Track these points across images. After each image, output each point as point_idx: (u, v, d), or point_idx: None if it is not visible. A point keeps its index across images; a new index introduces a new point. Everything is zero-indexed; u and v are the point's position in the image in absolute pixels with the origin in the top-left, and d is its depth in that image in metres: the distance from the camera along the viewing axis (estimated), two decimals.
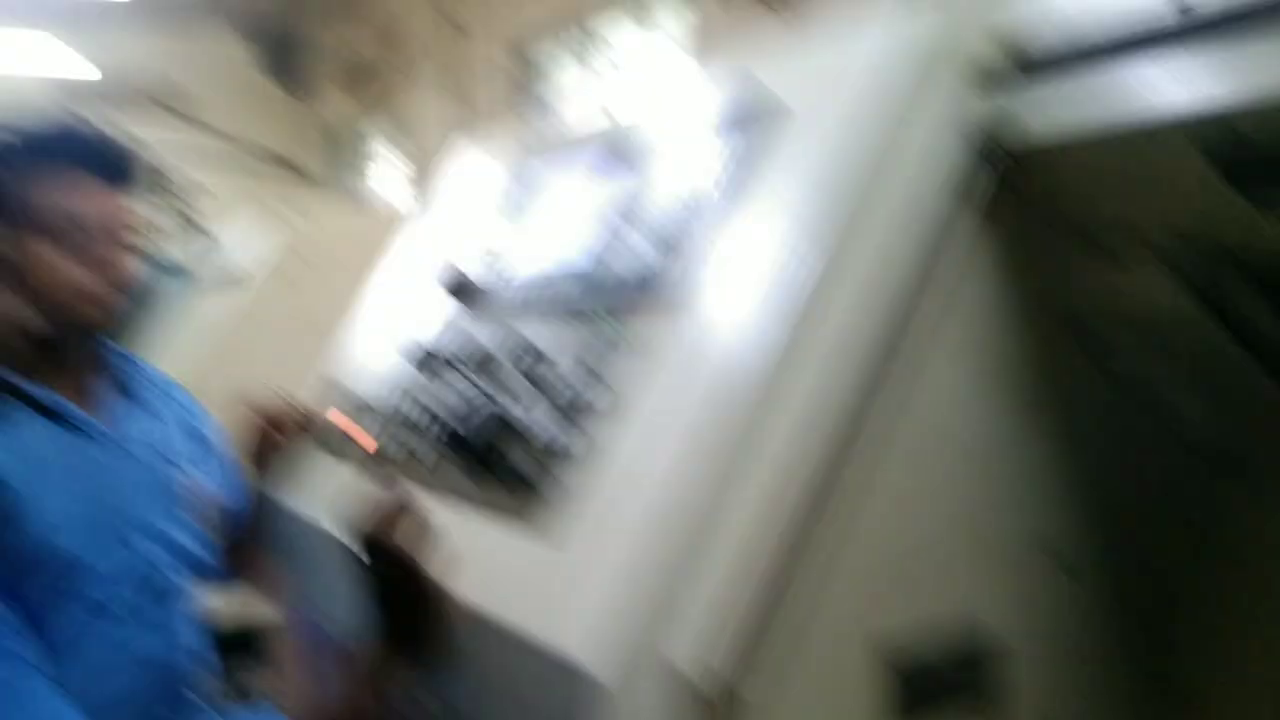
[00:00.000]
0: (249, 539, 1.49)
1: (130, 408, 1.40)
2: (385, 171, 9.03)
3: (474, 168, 1.54)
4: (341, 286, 3.02)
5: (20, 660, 0.88)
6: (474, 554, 1.02)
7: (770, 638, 0.81)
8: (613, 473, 0.91)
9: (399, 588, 0.95)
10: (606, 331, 1.03)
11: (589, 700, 0.78)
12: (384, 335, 1.53)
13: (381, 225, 3.30)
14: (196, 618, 1.43)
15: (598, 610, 0.82)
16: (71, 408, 1.31)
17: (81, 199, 1.29)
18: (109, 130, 1.37)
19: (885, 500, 0.89)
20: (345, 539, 1.01)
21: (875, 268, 0.91)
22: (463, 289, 1.31)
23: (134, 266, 1.36)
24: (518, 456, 1.03)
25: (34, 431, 1.25)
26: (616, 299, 1.05)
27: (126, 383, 1.42)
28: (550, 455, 0.98)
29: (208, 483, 1.47)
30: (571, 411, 0.99)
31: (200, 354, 2.96)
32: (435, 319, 1.38)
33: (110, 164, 1.33)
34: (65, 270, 1.27)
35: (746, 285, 0.92)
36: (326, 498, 1.35)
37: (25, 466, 1.22)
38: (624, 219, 1.12)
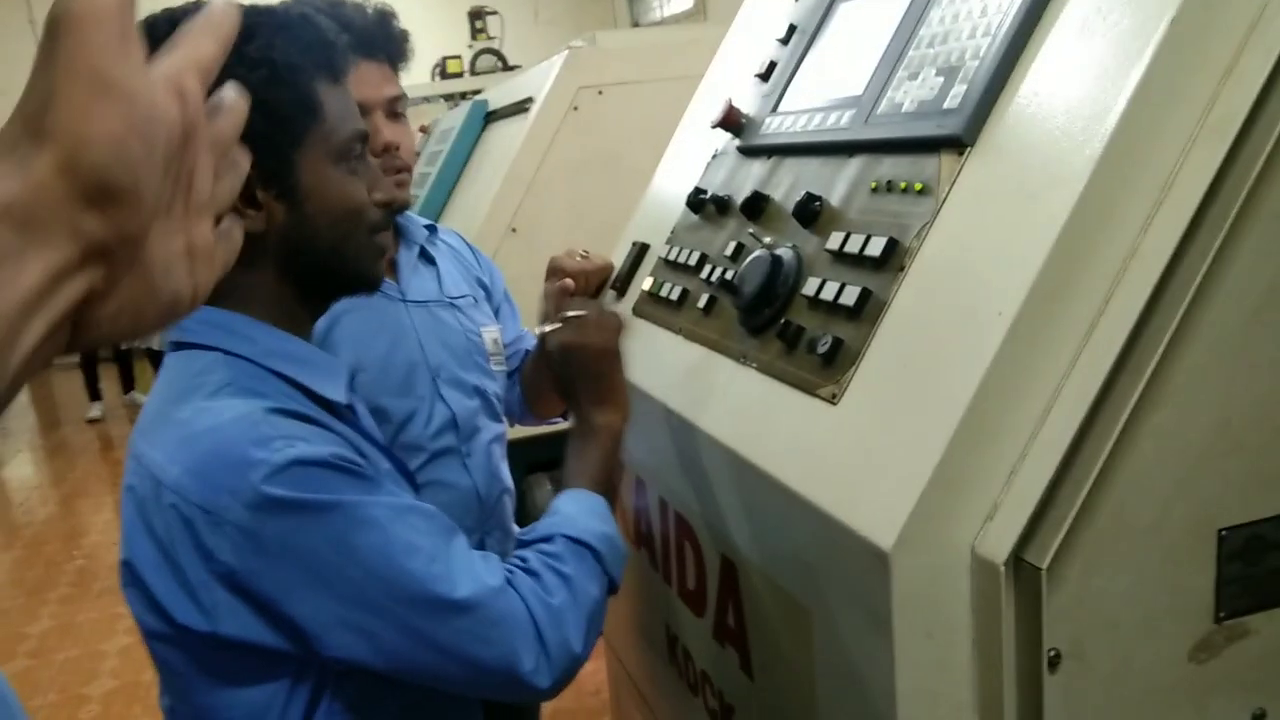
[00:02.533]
0: (539, 376, 1.57)
1: (423, 268, 1.51)
2: None
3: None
4: (627, 113, 3.04)
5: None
6: (742, 403, 1.01)
7: (1088, 518, 0.72)
8: (897, 329, 0.83)
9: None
10: (888, 170, 0.93)
11: (873, 568, 0.75)
12: (667, 173, 1.50)
13: (668, 49, 3.25)
14: (493, 448, 1.55)
15: (881, 476, 0.77)
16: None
17: (359, 86, 1.35)
18: (369, 8, 1.40)
19: (1226, 361, 0.75)
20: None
21: (1213, 97, 0.73)
22: (737, 125, 1.24)
23: (408, 139, 1.43)
24: (795, 309, 0.97)
25: None
26: (899, 134, 0.93)
27: (415, 240, 1.53)
28: (827, 307, 0.92)
29: (490, 323, 1.57)
30: (850, 259, 0.92)
31: (495, 182, 3.09)
32: (712, 157, 1.32)
33: (374, 41, 1.37)
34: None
35: (1050, 119, 0.79)
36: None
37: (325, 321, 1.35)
38: (911, 45, 0.98)
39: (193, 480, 0.82)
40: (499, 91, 3.67)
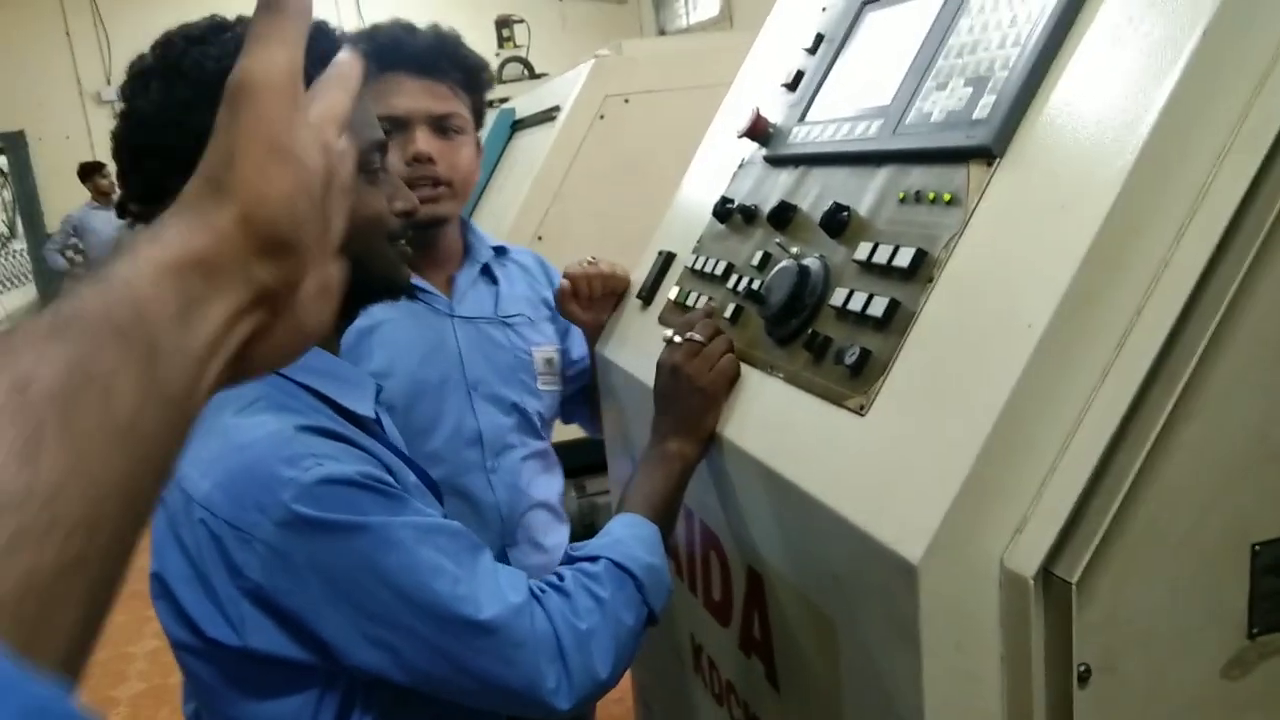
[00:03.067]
0: (589, 391, 1.58)
1: (479, 282, 1.54)
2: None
3: (799, 9, 1.41)
4: (653, 122, 3.04)
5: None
6: (769, 413, 1.01)
7: (1119, 531, 0.71)
8: (926, 341, 0.83)
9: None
10: (916, 181, 0.93)
11: (901, 580, 0.74)
12: (693, 182, 1.50)
13: (694, 56, 3.25)
14: (526, 464, 1.56)
15: (909, 488, 0.77)
16: (420, 282, 1.45)
17: (400, 97, 1.40)
18: (412, 25, 1.45)
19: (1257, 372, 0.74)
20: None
21: (1247, 107, 0.73)
22: (764, 134, 1.24)
23: (462, 157, 1.47)
24: (822, 319, 0.97)
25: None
26: (927, 144, 0.93)
27: (478, 259, 1.57)
28: (854, 317, 0.92)
29: (546, 342, 1.59)
30: (878, 270, 0.92)
31: (522, 190, 3.10)
32: (739, 166, 1.32)
33: (420, 58, 1.41)
34: (390, 169, 1.39)
35: (1081, 130, 0.78)
36: (637, 348, 1.39)
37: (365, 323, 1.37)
38: (939, 55, 0.97)
39: (223, 496, 0.83)
40: (526, 100, 3.69)
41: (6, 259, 10.01)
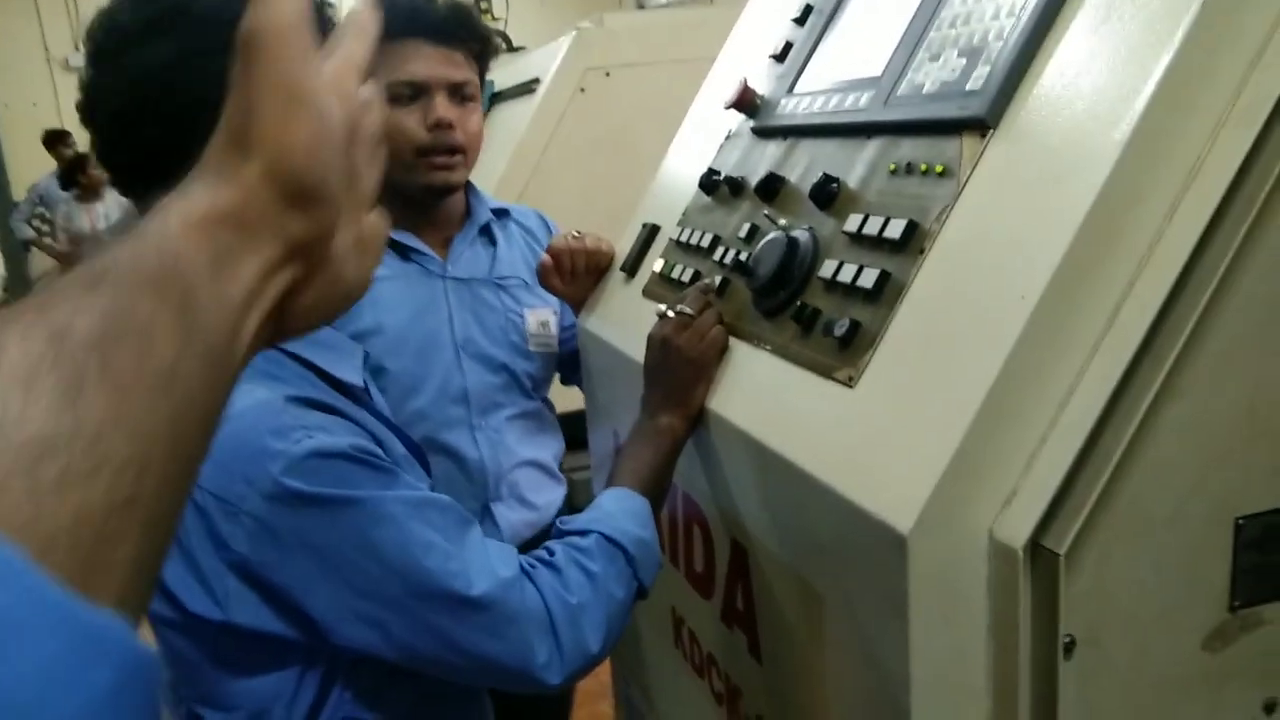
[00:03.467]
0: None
1: (477, 243, 1.55)
2: None
3: None
4: (634, 95, 3.01)
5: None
6: (757, 386, 1.00)
7: (1107, 504, 0.72)
8: (916, 312, 0.83)
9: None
10: (908, 152, 0.92)
11: (890, 552, 0.74)
12: (678, 155, 1.48)
13: (675, 30, 3.23)
14: (514, 424, 1.57)
15: (899, 460, 0.76)
16: (415, 243, 1.47)
17: (419, 63, 1.41)
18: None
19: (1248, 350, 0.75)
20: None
21: (1243, 81, 0.72)
22: (751, 105, 1.22)
23: (473, 123, 1.48)
24: (811, 291, 0.97)
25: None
26: (920, 115, 0.92)
27: (477, 221, 1.59)
28: (844, 289, 0.91)
29: (541, 305, 1.60)
30: (869, 242, 0.91)
31: (500, 164, 3.07)
32: (726, 138, 1.31)
33: (438, 26, 1.42)
34: (411, 134, 1.40)
35: (1076, 102, 0.77)
36: (620, 321, 1.38)
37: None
38: (932, 26, 0.96)
39: (209, 467, 0.81)
40: (504, 73, 3.65)
41: None
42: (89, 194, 5.98)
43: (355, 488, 0.81)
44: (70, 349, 0.33)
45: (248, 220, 0.41)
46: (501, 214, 1.68)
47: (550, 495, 1.66)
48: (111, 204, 6.12)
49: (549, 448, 1.68)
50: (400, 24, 1.41)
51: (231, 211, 0.41)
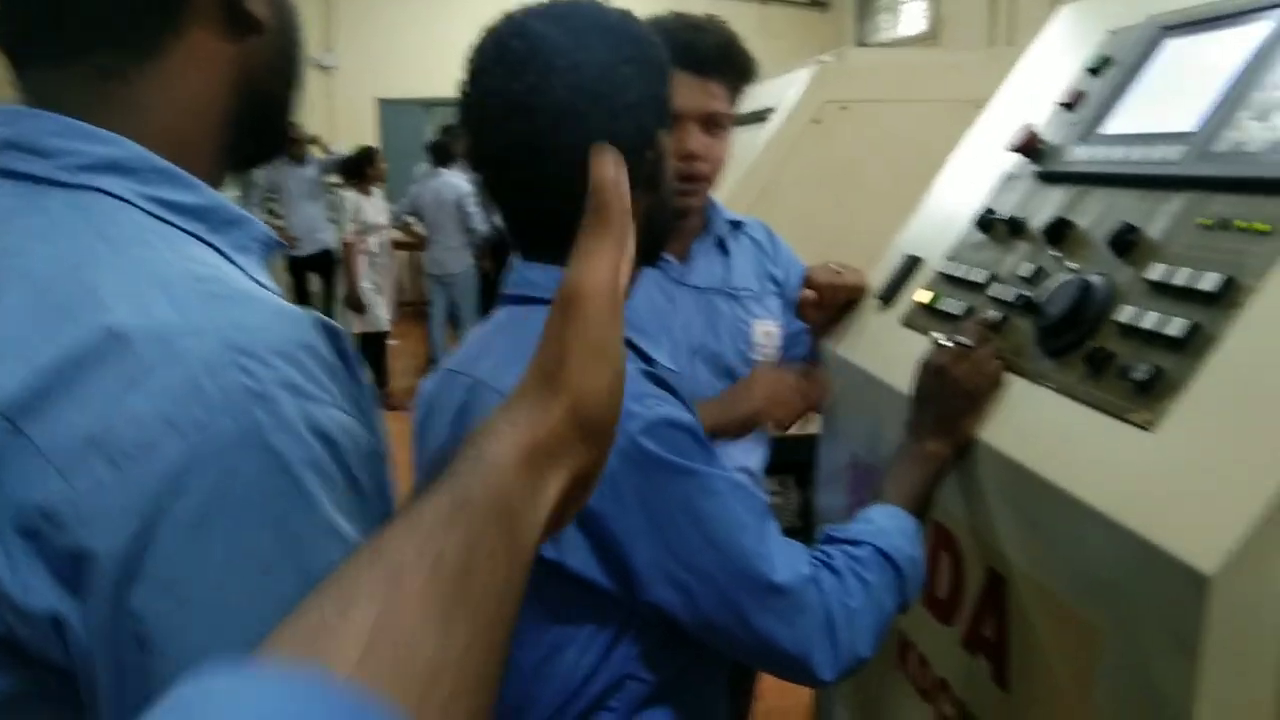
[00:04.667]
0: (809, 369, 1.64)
1: (712, 252, 1.63)
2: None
3: (1076, 31, 1.42)
4: (866, 130, 3.05)
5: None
6: (1037, 422, 1.03)
7: None
8: (1229, 365, 0.84)
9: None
10: (1222, 208, 0.93)
11: (1186, 591, 0.76)
12: (946, 191, 1.52)
13: (909, 70, 3.25)
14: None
15: (1205, 502, 0.78)
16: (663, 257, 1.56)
17: (678, 94, 1.48)
18: (698, 23, 1.52)
19: None
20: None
21: None
22: (1035, 150, 1.25)
23: (721, 151, 1.55)
24: (1104, 335, 0.99)
25: None
26: (1242, 173, 0.93)
27: (714, 232, 1.66)
28: (1144, 336, 0.93)
29: (767, 316, 1.67)
30: (1174, 292, 0.93)
31: (726, 183, 3.16)
32: (1003, 179, 1.34)
33: (703, 59, 1.49)
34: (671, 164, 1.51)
35: None
36: (875, 347, 1.43)
37: None
38: (1257, 87, 0.97)
39: None
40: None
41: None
42: (367, 185, 6.51)
43: (694, 460, 0.90)
44: (444, 576, 0.41)
45: (554, 450, 0.49)
46: (735, 225, 1.75)
47: None
48: (378, 196, 6.63)
49: (755, 455, 1.74)
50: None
51: (544, 443, 0.49)
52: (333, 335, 0.58)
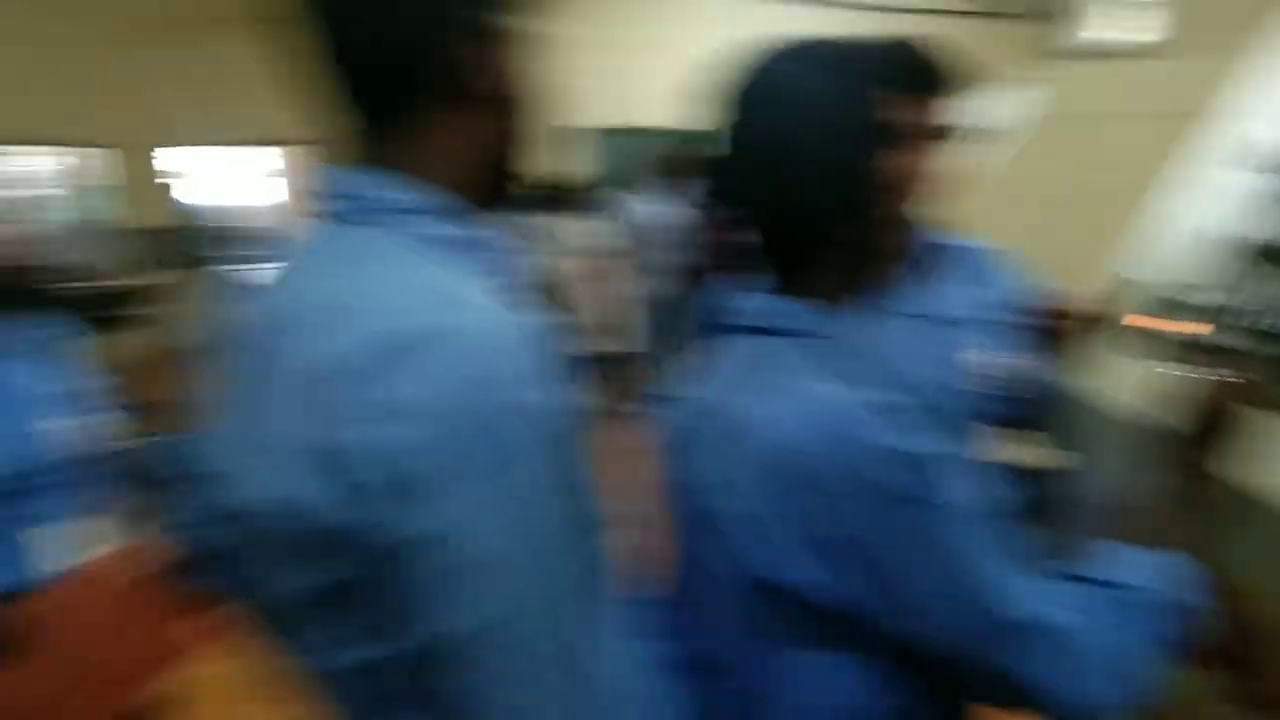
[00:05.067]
0: (1032, 408, 1.59)
1: (925, 285, 1.57)
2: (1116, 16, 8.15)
3: None
4: (1087, 144, 2.93)
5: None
6: None
7: None
8: None
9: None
10: None
11: None
12: (1183, 218, 1.46)
13: (1131, 81, 3.08)
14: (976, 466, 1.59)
15: None
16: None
17: (904, 113, 1.45)
18: (935, 45, 1.50)
19: None
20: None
21: None
22: None
23: (941, 172, 1.50)
24: None
25: None
26: None
27: (928, 263, 1.60)
28: None
29: (975, 345, 1.61)
30: None
31: (948, 208, 3.10)
32: (1246, 200, 1.28)
33: (930, 80, 1.46)
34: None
35: None
36: (1105, 374, 1.38)
37: None
38: None
39: (826, 447, 0.90)
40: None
41: None
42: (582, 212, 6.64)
43: (930, 491, 0.90)
44: None
45: None
46: (945, 249, 1.67)
47: None
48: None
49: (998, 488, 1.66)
50: (903, 74, 1.45)
51: None
52: (542, 338, 0.72)
